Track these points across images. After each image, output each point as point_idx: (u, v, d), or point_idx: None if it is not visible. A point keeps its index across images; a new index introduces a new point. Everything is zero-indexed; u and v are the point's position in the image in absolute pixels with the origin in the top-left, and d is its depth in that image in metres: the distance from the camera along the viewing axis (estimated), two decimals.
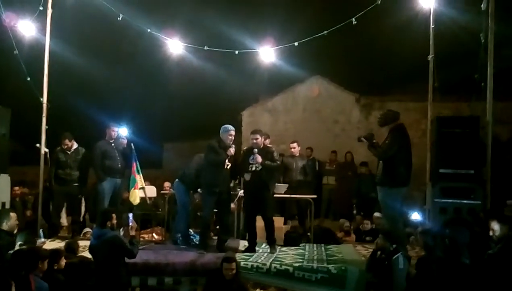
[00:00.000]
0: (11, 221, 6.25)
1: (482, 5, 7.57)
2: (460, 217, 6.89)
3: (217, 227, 8.05)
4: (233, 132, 7.34)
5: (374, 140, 6.90)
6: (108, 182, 8.30)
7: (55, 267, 5.55)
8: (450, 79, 9.79)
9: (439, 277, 5.41)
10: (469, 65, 8.32)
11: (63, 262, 5.70)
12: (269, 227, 7.34)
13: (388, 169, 6.69)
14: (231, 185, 7.82)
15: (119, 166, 8.40)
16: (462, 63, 10.30)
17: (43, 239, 7.34)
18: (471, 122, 7.46)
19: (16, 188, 9.62)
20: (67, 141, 8.41)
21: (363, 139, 6.98)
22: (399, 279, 5.75)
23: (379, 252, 6.07)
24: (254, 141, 7.30)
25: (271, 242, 7.34)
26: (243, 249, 7.40)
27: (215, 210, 7.59)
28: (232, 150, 7.20)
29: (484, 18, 7.59)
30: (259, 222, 7.43)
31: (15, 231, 6.36)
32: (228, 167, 7.30)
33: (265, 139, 7.51)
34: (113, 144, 8.42)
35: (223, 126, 7.41)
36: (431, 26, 8.15)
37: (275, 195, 7.79)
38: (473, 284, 5.19)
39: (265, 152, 7.26)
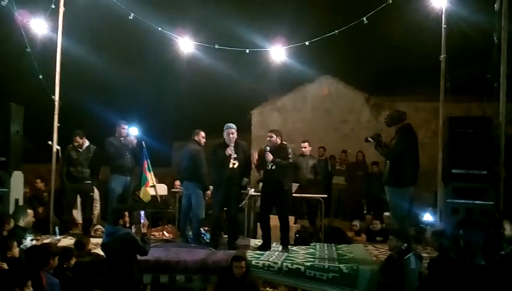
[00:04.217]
0: (28, 217, 6.34)
1: (495, 5, 7.54)
2: (474, 218, 6.87)
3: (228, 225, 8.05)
4: (233, 130, 7.38)
5: (381, 140, 6.90)
6: (118, 179, 8.33)
7: (65, 265, 5.59)
8: (461, 80, 9.74)
9: (451, 278, 5.40)
10: (481, 66, 8.30)
11: (73, 261, 5.74)
12: (284, 227, 7.34)
13: (395, 168, 6.69)
14: (243, 183, 7.82)
15: (129, 163, 8.44)
16: (473, 63, 10.27)
17: (58, 236, 7.38)
18: (484, 122, 7.45)
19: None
20: (78, 138, 8.45)
21: (370, 140, 6.99)
22: (412, 279, 5.72)
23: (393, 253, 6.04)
24: (268, 139, 7.38)
25: (285, 242, 7.33)
26: (254, 247, 7.41)
27: (225, 209, 7.62)
28: (229, 149, 7.23)
29: (497, 18, 7.55)
30: (272, 221, 7.43)
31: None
32: (235, 165, 7.30)
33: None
34: (123, 142, 8.46)
35: (225, 125, 7.51)
36: (443, 25, 8.10)
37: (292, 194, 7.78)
38: (485, 285, 5.17)
39: (279, 150, 7.28)
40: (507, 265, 5.18)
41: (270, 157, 7.17)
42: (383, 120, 7.21)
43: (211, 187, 7.80)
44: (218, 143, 7.47)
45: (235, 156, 7.25)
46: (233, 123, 7.50)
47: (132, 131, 8.48)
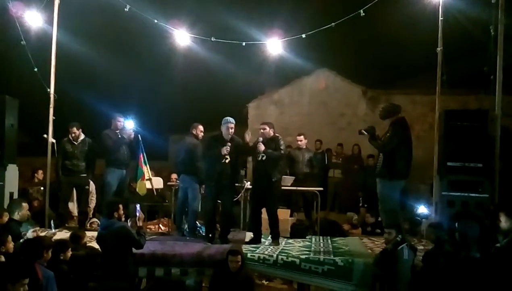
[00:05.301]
0: (23, 210, 6.33)
1: None
2: (469, 211, 6.88)
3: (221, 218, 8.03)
4: (232, 125, 7.36)
5: (375, 133, 6.89)
6: (114, 173, 8.31)
7: (61, 258, 5.58)
8: (458, 72, 9.73)
9: (446, 270, 5.41)
10: (477, 58, 8.28)
11: (69, 253, 5.72)
12: (272, 220, 7.33)
13: (388, 161, 6.67)
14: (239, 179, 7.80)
15: (125, 157, 8.41)
16: (470, 56, 10.26)
17: (53, 230, 7.37)
18: (480, 115, 7.46)
19: None
20: (75, 129, 8.40)
21: (364, 132, 6.97)
22: (404, 270, 5.72)
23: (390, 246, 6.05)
24: (261, 131, 7.39)
25: (274, 236, 7.33)
26: (248, 240, 7.41)
27: (219, 201, 7.61)
28: (225, 150, 7.19)
29: (494, 10, 7.52)
30: (265, 213, 7.43)
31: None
32: (227, 161, 7.28)
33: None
34: (119, 135, 8.42)
35: (223, 118, 7.46)
36: (440, 18, 8.08)
37: (281, 187, 7.78)
38: (480, 277, 5.18)
39: (271, 141, 7.28)
40: (503, 257, 5.19)
41: (262, 147, 7.17)
42: (378, 113, 7.18)
43: None
44: (214, 136, 7.43)
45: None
46: (230, 116, 7.47)
47: (128, 125, 8.44)
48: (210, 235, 7.40)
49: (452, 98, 10.41)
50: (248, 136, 7.60)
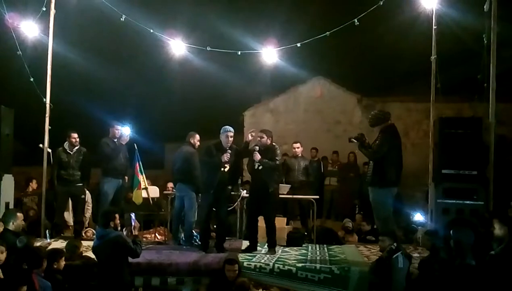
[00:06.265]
0: (18, 221, 6.32)
1: (485, 6, 7.58)
2: (464, 218, 6.90)
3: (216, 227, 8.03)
4: (231, 133, 7.39)
5: (365, 141, 6.90)
6: (111, 182, 8.30)
7: (55, 266, 5.57)
8: (452, 80, 9.79)
9: (442, 278, 5.43)
10: (471, 66, 8.34)
11: (62, 262, 5.71)
12: (270, 229, 7.33)
13: (378, 169, 6.70)
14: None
15: (123, 166, 8.42)
16: (464, 64, 10.34)
17: (48, 240, 7.36)
18: (474, 123, 7.50)
19: None
20: (76, 135, 8.41)
21: (353, 140, 6.98)
22: (398, 278, 5.73)
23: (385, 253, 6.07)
24: (259, 139, 7.42)
25: (271, 244, 7.33)
26: (244, 248, 7.40)
27: (214, 209, 7.61)
28: (226, 157, 7.22)
29: (486, 19, 7.60)
30: (262, 222, 7.44)
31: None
32: (226, 169, 7.31)
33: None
34: (117, 143, 8.43)
35: (222, 127, 7.48)
36: (434, 26, 8.14)
37: (279, 196, 7.78)
38: (475, 285, 5.20)
39: (267, 150, 7.30)
40: (497, 265, 5.21)
41: (258, 156, 7.19)
42: (368, 121, 7.19)
43: None
44: (214, 145, 7.42)
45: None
46: (227, 125, 7.49)
47: (125, 131, 8.44)
48: (205, 244, 7.39)
49: (446, 105, 10.46)
50: (250, 137, 7.61)
